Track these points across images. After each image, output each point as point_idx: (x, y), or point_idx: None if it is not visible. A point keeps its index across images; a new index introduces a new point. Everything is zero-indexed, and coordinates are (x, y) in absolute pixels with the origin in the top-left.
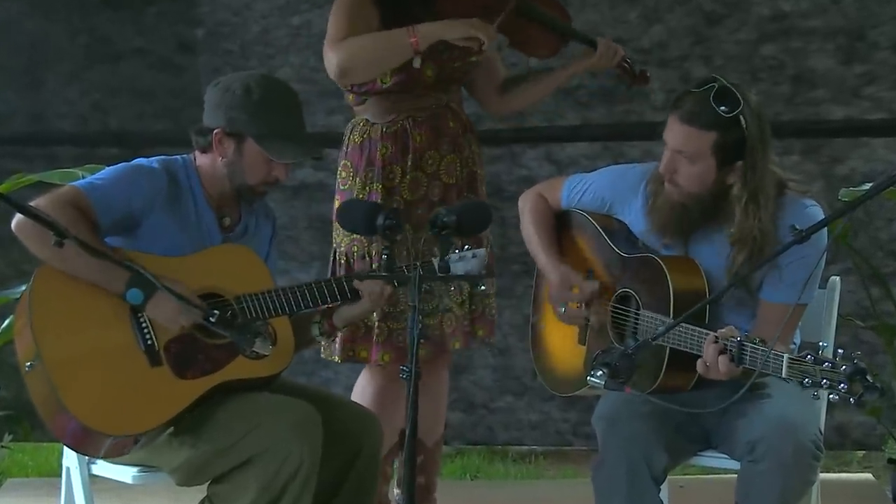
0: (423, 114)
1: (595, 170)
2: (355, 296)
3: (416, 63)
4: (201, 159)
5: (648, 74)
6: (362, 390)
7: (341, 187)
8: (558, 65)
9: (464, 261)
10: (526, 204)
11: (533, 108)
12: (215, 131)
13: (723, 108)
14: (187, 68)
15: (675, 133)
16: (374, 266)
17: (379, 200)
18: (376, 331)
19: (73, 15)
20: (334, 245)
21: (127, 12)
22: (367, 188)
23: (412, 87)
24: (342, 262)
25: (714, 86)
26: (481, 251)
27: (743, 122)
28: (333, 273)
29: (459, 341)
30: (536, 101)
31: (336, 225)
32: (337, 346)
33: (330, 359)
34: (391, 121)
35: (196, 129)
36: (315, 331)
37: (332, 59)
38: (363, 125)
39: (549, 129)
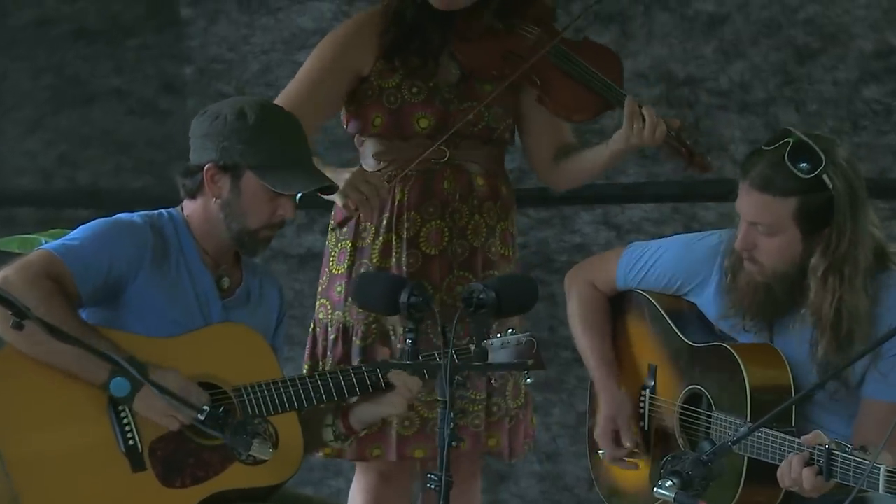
0: (417, 168)
1: (659, 237)
2: (389, 386)
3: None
4: (191, 208)
5: (708, 161)
6: (353, 501)
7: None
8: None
9: (506, 348)
10: (572, 288)
11: None
12: (206, 167)
13: (802, 167)
14: (173, 113)
15: (749, 203)
16: (356, 341)
17: (346, 262)
18: (405, 422)
19: (37, 49)
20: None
21: (102, 47)
22: (340, 245)
23: (406, 136)
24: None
25: (788, 141)
26: (527, 337)
27: (828, 181)
28: (312, 349)
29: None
30: (587, 179)
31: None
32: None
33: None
34: (379, 171)
35: (182, 170)
36: (329, 435)
37: None
38: None
39: (607, 188)
